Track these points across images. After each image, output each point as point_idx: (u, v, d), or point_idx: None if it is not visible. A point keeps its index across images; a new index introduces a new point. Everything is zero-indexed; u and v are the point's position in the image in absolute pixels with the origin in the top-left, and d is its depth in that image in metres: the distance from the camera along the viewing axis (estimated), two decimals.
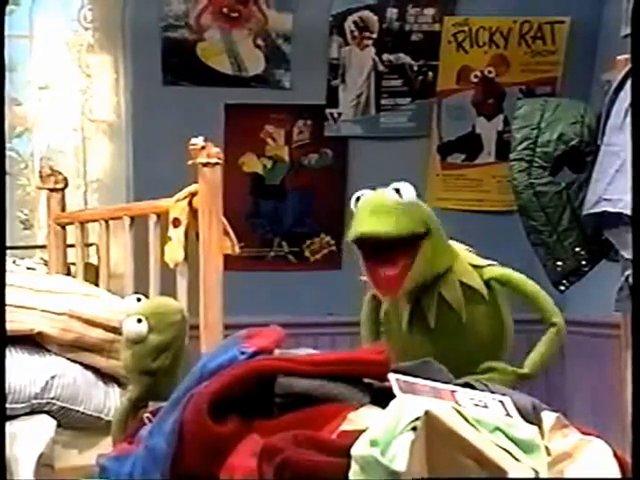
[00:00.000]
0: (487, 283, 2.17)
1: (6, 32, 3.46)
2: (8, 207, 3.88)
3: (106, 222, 3.50)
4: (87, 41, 4.57)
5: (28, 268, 3.67)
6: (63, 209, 3.84)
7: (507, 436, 1.50)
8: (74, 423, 2.84)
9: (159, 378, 2.17)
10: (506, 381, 2.00)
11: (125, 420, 2.20)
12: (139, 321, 2.15)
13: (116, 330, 2.89)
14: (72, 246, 3.74)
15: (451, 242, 2.24)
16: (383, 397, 1.63)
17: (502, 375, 2.07)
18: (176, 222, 3.04)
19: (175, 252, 3.04)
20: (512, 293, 2.19)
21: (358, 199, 2.11)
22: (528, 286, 2.17)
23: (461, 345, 2.11)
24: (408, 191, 2.05)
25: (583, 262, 3.59)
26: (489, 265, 2.19)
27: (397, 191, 2.05)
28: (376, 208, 2.05)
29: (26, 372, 2.78)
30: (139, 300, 2.23)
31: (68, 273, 3.74)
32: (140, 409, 2.20)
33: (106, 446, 2.44)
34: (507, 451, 1.47)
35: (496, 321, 2.18)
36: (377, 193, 2.09)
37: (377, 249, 2.07)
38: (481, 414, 1.53)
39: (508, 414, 1.61)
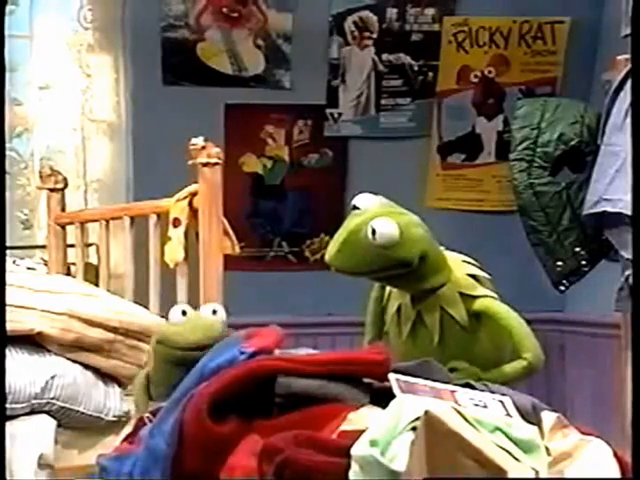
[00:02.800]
0: (477, 314, 2.18)
1: (6, 32, 3.46)
2: (8, 207, 3.87)
3: (106, 222, 3.50)
4: (87, 41, 4.57)
5: (28, 268, 3.67)
6: (63, 209, 3.84)
7: (507, 436, 1.50)
8: (74, 423, 2.84)
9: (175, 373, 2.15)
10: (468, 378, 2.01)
11: (146, 392, 2.20)
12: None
13: (116, 330, 2.89)
14: (72, 246, 3.74)
15: (452, 255, 2.23)
16: (383, 397, 1.63)
17: (464, 374, 2.07)
18: (176, 222, 3.04)
19: (175, 252, 3.04)
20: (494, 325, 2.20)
21: (355, 207, 2.12)
22: (508, 320, 2.18)
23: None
24: (384, 234, 2.05)
25: (583, 262, 3.59)
26: (482, 296, 2.19)
27: (373, 232, 2.05)
28: (348, 241, 2.08)
29: (26, 372, 2.78)
30: (184, 313, 2.16)
31: (68, 273, 3.74)
32: (151, 385, 2.20)
33: (106, 446, 2.44)
34: (507, 451, 1.47)
35: (473, 349, 2.18)
36: (356, 224, 2.09)
37: None
38: (481, 414, 1.53)
39: (508, 414, 1.61)
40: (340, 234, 2.11)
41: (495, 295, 2.21)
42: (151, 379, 2.21)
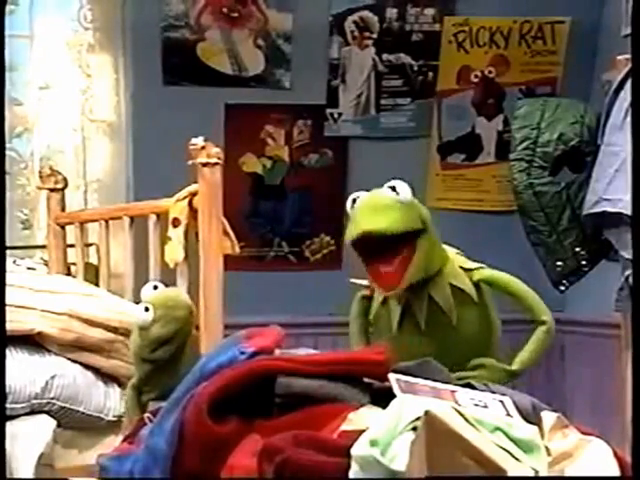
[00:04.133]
0: (476, 285, 2.19)
1: (6, 32, 3.46)
2: (8, 207, 3.88)
3: (106, 222, 3.50)
4: (87, 41, 4.57)
5: (28, 268, 3.67)
6: (63, 209, 3.83)
7: (507, 436, 1.50)
8: (74, 423, 2.84)
9: (158, 368, 2.19)
10: (495, 378, 2.01)
11: (134, 406, 2.22)
12: (147, 309, 2.17)
13: (116, 330, 2.89)
14: (72, 246, 3.74)
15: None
16: (383, 397, 1.63)
17: (491, 372, 2.07)
18: (176, 222, 3.04)
19: (175, 252, 3.04)
20: (501, 294, 2.20)
21: (354, 201, 2.12)
22: (516, 285, 2.19)
23: (451, 346, 2.12)
24: (404, 189, 2.08)
25: (583, 262, 3.59)
26: (478, 268, 2.21)
27: (393, 189, 2.07)
28: (375, 207, 2.07)
29: (26, 372, 2.78)
30: (156, 288, 2.24)
31: (68, 273, 3.74)
32: (142, 395, 2.22)
33: (106, 446, 2.44)
34: (507, 451, 1.47)
35: (485, 322, 2.20)
36: (374, 193, 2.11)
37: (375, 248, 2.08)
38: (481, 414, 1.53)
39: (508, 414, 1.61)
40: (362, 208, 2.08)
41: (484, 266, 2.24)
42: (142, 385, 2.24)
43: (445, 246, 2.25)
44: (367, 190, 2.16)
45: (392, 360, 1.75)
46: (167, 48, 4.52)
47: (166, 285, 2.33)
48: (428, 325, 2.15)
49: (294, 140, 4.71)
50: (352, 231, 2.08)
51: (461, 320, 2.15)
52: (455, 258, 2.22)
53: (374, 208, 2.07)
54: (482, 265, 2.23)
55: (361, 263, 2.12)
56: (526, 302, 2.17)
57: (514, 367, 2.13)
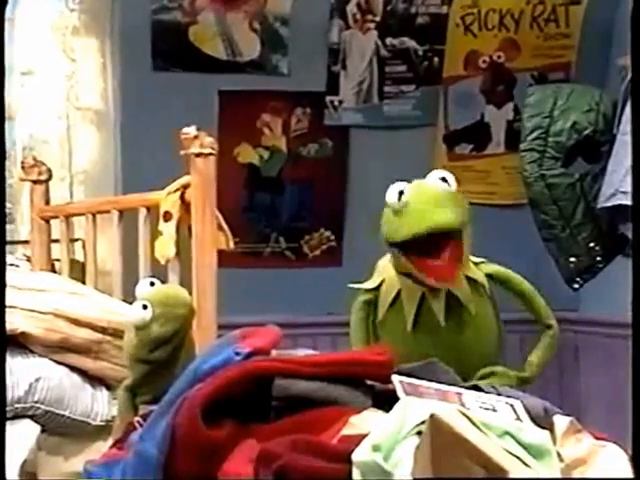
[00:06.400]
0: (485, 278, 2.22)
1: None
2: None
3: (93, 216, 3.50)
4: (72, 23, 4.57)
5: (11, 265, 3.68)
6: (47, 202, 3.84)
7: (517, 441, 1.51)
8: (59, 428, 2.85)
9: (155, 369, 2.20)
10: (507, 385, 2.03)
11: (128, 409, 2.23)
12: (144, 307, 2.17)
13: (104, 330, 2.90)
14: (57, 241, 3.74)
15: None
16: (386, 400, 1.64)
17: (503, 379, 2.09)
18: (167, 216, 3.05)
19: (166, 248, 3.04)
20: (507, 291, 2.22)
21: (401, 193, 2.10)
22: (525, 285, 2.22)
23: (467, 344, 2.15)
24: (453, 180, 2.10)
25: (598, 258, 3.60)
26: (483, 262, 2.24)
27: (444, 180, 2.07)
28: (437, 200, 2.07)
29: (9, 374, 2.78)
30: (152, 284, 2.24)
31: (53, 270, 3.74)
32: (137, 397, 2.23)
33: (94, 452, 2.45)
34: (517, 457, 1.47)
35: (495, 315, 2.23)
36: (424, 185, 2.10)
37: (424, 242, 2.08)
38: (489, 418, 1.54)
39: (518, 418, 1.62)
40: (424, 201, 2.07)
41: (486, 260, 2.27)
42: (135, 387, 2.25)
43: None
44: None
45: (396, 361, 1.76)
46: (157, 31, 4.52)
47: (161, 282, 2.33)
48: (446, 320, 2.16)
49: (292, 129, 4.72)
50: (412, 227, 2.06)
51: (477, 314, 2.18)
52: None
53: (436, 202, 2.07)
54: (484, 260, 2.25)
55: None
56: (534, 304, 2.21)
57: (526, 373, 2.16)
